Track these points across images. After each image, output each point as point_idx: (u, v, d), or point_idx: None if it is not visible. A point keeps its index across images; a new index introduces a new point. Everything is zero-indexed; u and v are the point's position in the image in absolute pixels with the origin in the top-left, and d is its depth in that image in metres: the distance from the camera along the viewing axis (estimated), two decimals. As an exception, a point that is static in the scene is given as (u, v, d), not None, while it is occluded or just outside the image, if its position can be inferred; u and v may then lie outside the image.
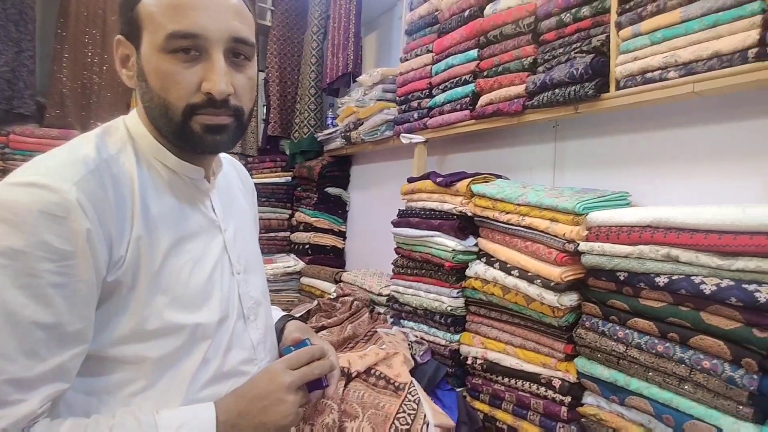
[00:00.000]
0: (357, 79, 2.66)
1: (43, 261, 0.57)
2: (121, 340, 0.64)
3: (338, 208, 3.05)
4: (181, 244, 0.71)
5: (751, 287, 0.93)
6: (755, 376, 0.91)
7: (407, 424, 1.15)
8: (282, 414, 0.70)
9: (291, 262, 2.87)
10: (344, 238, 3.05)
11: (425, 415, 1.19)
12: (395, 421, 1.14)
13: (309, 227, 2.99)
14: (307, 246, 2.94)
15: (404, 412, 1.18)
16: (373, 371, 1.33)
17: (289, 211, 3.25)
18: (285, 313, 0.95)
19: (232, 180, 0.89)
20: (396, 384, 1.27)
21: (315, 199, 2.98)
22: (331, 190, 3.01)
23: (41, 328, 0.57)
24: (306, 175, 3.03)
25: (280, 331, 0.89)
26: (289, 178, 3.25)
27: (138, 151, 0.71)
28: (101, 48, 2.78)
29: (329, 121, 3.15)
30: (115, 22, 2.82)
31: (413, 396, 1.24)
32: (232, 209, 0.84)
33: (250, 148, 3.25)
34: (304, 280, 2.83)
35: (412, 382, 1.30)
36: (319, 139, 3.06)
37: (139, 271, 0.65)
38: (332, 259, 2.97)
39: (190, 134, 0.68)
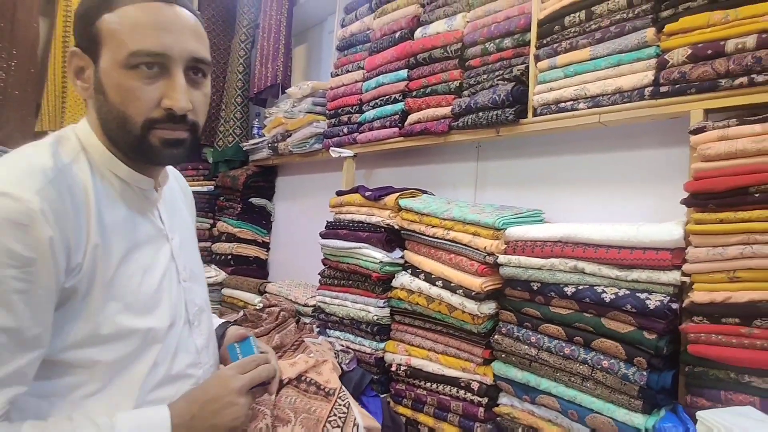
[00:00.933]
0: (286, 91, 2.65)
1: (8, 267, 0.59)
2: (75, 344, 0.66)
3: (262, 219, 3.00)
4: (132, 253, 0.73)
5: (643, 296, 1.07)
6: (644, 373, 1.04)
7: (338, 426, 1.18)
8: (233, 416, 0.73)
9: (212, 273, 2.77)
10: (267, 249, 3.00)
11: (355, 418, 1.21)
12: (327, 424, 1.16)
13: (232, 237, 2.91)
14: (229, 257, 2.86)
15: (335, 415, 1.20)
16: (303, 378, 1.34)
17: (211, 221, 3.14)
18: (224, 320, 0.96)
19: (176, 191, 0.91)
20: (326, 390, 1.29)
21: (238, 209, 2.91)
22: (255, 200, 2.96)
23: (3, 332, 0.59)
24: (230, 185, 2.95)
25: (220, 337, 0.90)
26: (212, 187, 3.14)
27: (90, 161, 0.72)
28: (9, 42, 2.54)
29: (255, 131, 3.10)
30: (26, 15, 2.59)
31: (343, 401, 1.26)
32: (177, 220, 0.86)
33: (169, 154, 3.11)
34: (226, 291, 2.73)
35: (341, 387, 1.32)
36: (244, 149, 3.00)
37: (94, 279, 0.67)
38: (255, 270, 2.90)
39: (148, 147, 0.70)
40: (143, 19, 0.67)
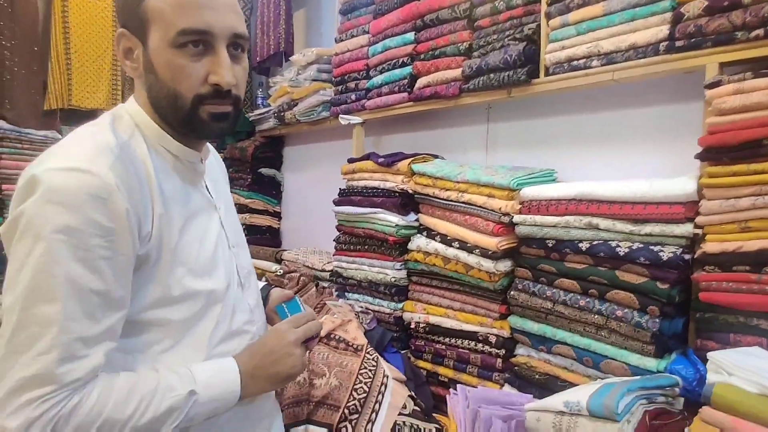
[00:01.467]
0: (290, 59, 2.63)
1: (94, 237, 0.64)
2: (150, 305, 0.73)
3: (272, 189, 3.04)
4: (189, 222, 0.78)
5: (656, 248, 1.12)
6: (657, 320, 1.10)
7: (369, 378, 1.25)
8: (291, 364, 0.81)
9: (225, 243, 2.83)
10: (279, 218, 3.05)
11: (384, 370, 1.29)
12: (359, 376, 1.24)
13: (244, 208, 2.95)
14: (243, 227, 2.91)
15: (365, 368, 1.28)
16: (332, 335, 1.41)
17: (221, 192, 3.18)
18: (265, 283, 1.02)
19: (213, 164, 0.95)
20: (354, 346, 1.36)
21: (248, 180, 2.94)
22: (264, 170, 2.98)
23: (96, 294, 0.65)
24: (238, 156, 2.97)
25: (264, 298, 0.97)
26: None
27: (144, 137, 0.77)
28: (10, 20, 2.51)
29: (260, 101, 3.09)
30: None
31: (371, 355, 1.34)
32: (219, 190, 0.92)
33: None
34: (241, 260, 2.80)
35: (368, 343, 1.39)
36: (250, 119, 3.00)
37: (161, 245, 0.73)
38: (268, 239, 2.96)
39: (198, 122, 0.75)
40: None
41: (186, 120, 0.74)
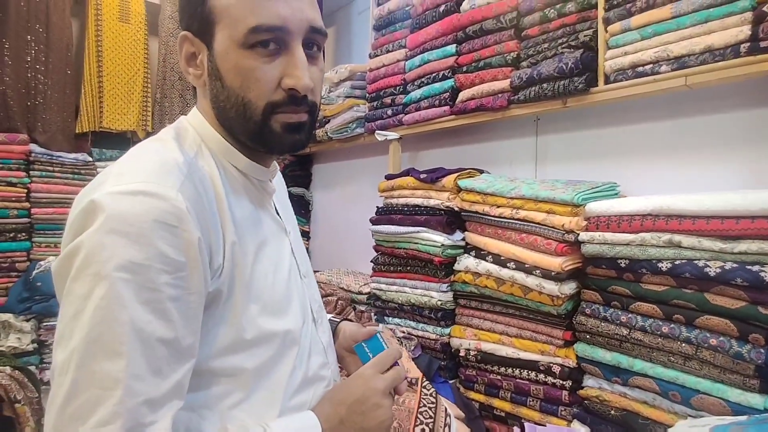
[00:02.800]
0: (322, 75, 2.59)
1: (162, 273, 0.54)
2: (221, 352, 0.62)
3: (301, 208, 2.97)
4: (262, 249, 0.68)
5: (755, 268, 0.99)
6: (762, 350, 0.97)
7: (431, 417, 1.13)
8: (381, 418, 0.68)
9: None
10: (308, 238, 2.97)
11: (446, 408, 1.17)
12: (419, 415, 1.12)
13: (271, 228, 2.89)
14: (270, 247, 2.84)
15: (425, 406, 1.16)
16: (386, 369, 1.29)
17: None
18: (331, 315, 0.91)
19: (280, 183, 0.85)
20: (409, 379, 1.25)
21: (277, 199, 2.88)
22: (293, 189, 2.92)
23: (164, 344, 0.54)
24: (266, 175, 2.92)
25: (333, 333, 0.86)
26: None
27: (211, 153, 0.67)
28: (45, 45, 2.53)
29: (289, 119, 3.05)
30: (59, 17, 2.57)
31: (428, 390, 1.22)
32: (287, 212, 0.83)
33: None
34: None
35: (423, 376, 1.28)
36: (279, 137, 2.95)
37: (234, 279, 0.63)
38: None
39: (269, 134, 0.64)
40: None
41: (256, 132, 0.64)
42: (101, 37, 2.70)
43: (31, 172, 2.47)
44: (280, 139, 0.65)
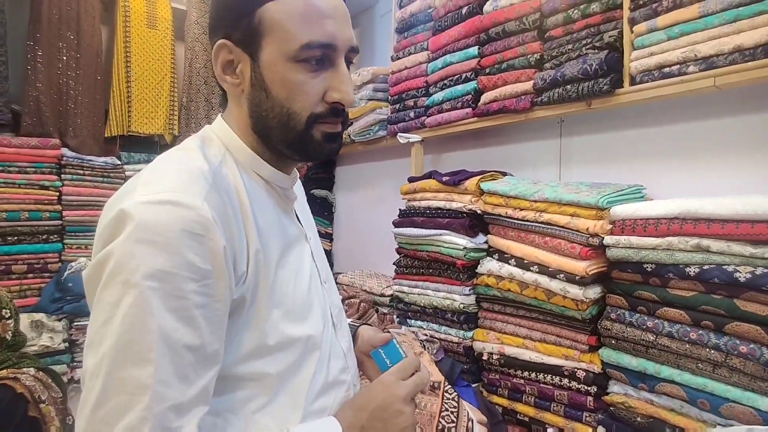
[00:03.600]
0: (344, 78, 2.61)
1: (189, 281, 0.55)
2: (245, 357, 0.63)
3: (324, 210, 3.00)
4: (285, 255, 0.70)
5: (787, 273, 0.97)
6: (794, 358, 0.94)
7: (452, 422, 1.14)
8: (403, 425, 0.68)
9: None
10: (331, 240, 3.00)
11: (468, 412, 1.17)
12: (441, 420, 1.13)
13: (295, 230, 2.93)
14: (294, 249, 2.88)
15: (447, 410, 1.17)
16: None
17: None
18: (350, 320, 0.93)
19: (299, 190, 0.87)
20: (432, 383, 1.26)
21: (301, 201, 2.92)
22: (316, 192, 2.95)
23: (190, 350, 0.55)
24: (290, 177, 2.96)
25: (352, 338, 0.86)
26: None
27: (236, 161, 0.69)
28: (76, 51, 2.61)
29: (312, 121, 3.08)
30: (89, 24, 2.65)
31: (450, 394, 1.22)
32: (307, 218, 0.85)
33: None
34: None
35: (445, 380, 1.28)
36: (302, 140, 2.99)
37: (258, 286, 0.64)
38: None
39: (310, 142, 0.67)
40: (313, 8, 0.63)
41: (296, 140, 0.67)
42: (129, 43, 2.78)
43: (62, 175, 2.55)
44: (319, 147, 0.68)
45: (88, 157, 2.63)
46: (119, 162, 2.75)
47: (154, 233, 0.54)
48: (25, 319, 2.09)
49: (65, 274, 2.37)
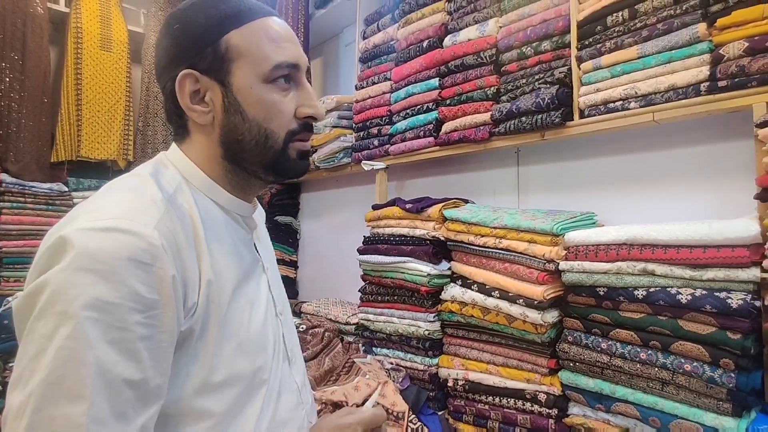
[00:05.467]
0: (308, 106, 2.64)
1: (133, 312, 0.53)
2: (190, 393, 0.60)
3: (288, 237, 2.99)
4: (240, 286, 0.68)
5: (722, 294, 1.04)
6: (732, 375, 1.01)
7: (417, 452, 1.15)
8: None
9: (242, 294, 2.75)
10: (296, 268, 2.98)
11: (433, 442, 1.18)
12: (405, 451, 1.13)
13: (260, 257, 2.90)
14: (258, 276, 2.84)
15: (412, 440, 1.17)
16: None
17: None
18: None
19: (258, 216, 0.85)
20: (395, 413, 1.26)
21: (265, 227, 2.90)
22: (281, 218, 2.94)
23: (130, 386, 0.52)
24: (255, 204, 2.94)
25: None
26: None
27: (191, 190, 0.69)
28: (21, 72, 2.53)
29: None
30: (37, 45, 2.58)
31: (414, 424, 1.24)
32: (266, 248, 0.83)
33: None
34: (258, 312, 2.71)
35: (409, 409, 1.29)
36: (267, 166, 2.99)
37: (209, 318, 0.62)
38: (285, 290, 2.88)
39: (285, 161, 0.70)
40: (275, 32, 0.68)
41: (273, 160, 0.69)
42: (81, 65, 2.71)
43: (1, 203, 2.41)
44: (294, 165, 0.71)
45: (31, 184, 2.50)
46: (66, 189, 2.63)
47: (97, 261, 0.52)
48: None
49: (0, 309, 2.24)
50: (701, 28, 1.21)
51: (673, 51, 1.25)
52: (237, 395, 0.64)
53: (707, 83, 1.18)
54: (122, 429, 0.51)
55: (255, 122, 0.67)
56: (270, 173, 0.71)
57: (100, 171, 2.86)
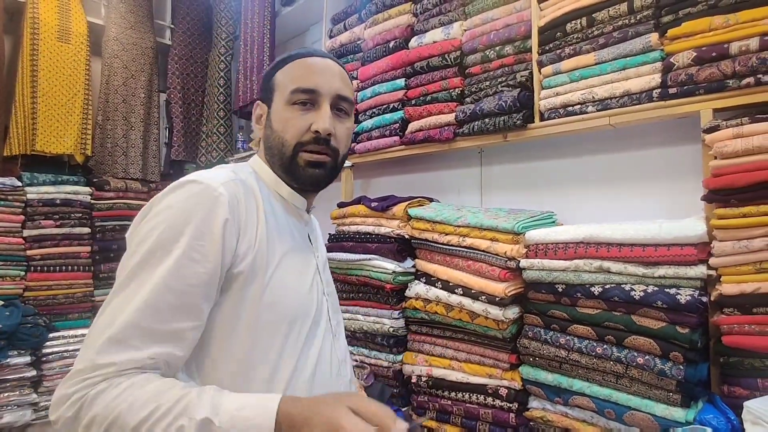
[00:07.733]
0: (273, 103, 2.62)
1: (187, 236, 0.69)
2: (227, 333, 0.74)
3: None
4: (289, 255, 0.83)
5: (672, 291, 1.10)
6: (681, 367, 1.07)
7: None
8: (330, 414, 0.60)
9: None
10: (260, 266, 2.94)
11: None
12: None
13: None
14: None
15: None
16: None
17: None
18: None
19: (318, 229, 1.04)
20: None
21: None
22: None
23: (170, 292, 0.67)
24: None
25: None
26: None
27: (260, 180, 0.87)
28: None
29: (240, 145, 3.05)
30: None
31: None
32: (320, 248, 0.99)
33: (151, 173, 3.01)
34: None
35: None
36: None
37: (257, 270, 0.76)
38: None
39: (295, 167, 0.84)
40: (301, 68, 0.86)
41: (287, 164, 0.84)
42: (37, 57, 2.59)
43: None
44: (302, 171, 0.84)
45: (-20, 178, 2.38)
46: (20, 183, 2.50)
47: (177, 198, 0.72)
48: None
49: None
50: (654, 37, 1.27)
51: (627, 58, 1.30)
52: (274, 344, 0.76)
53: (659, 90, 1.24)
54: (154, 322, 0.66)
55: (276, 132, 0.85)
56: (286, 175, 0.86)
57: (56, 166, 2.74)
